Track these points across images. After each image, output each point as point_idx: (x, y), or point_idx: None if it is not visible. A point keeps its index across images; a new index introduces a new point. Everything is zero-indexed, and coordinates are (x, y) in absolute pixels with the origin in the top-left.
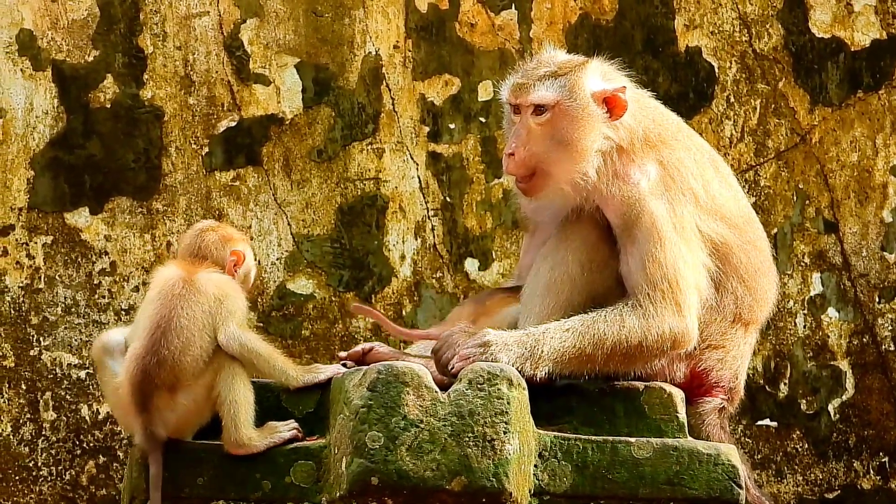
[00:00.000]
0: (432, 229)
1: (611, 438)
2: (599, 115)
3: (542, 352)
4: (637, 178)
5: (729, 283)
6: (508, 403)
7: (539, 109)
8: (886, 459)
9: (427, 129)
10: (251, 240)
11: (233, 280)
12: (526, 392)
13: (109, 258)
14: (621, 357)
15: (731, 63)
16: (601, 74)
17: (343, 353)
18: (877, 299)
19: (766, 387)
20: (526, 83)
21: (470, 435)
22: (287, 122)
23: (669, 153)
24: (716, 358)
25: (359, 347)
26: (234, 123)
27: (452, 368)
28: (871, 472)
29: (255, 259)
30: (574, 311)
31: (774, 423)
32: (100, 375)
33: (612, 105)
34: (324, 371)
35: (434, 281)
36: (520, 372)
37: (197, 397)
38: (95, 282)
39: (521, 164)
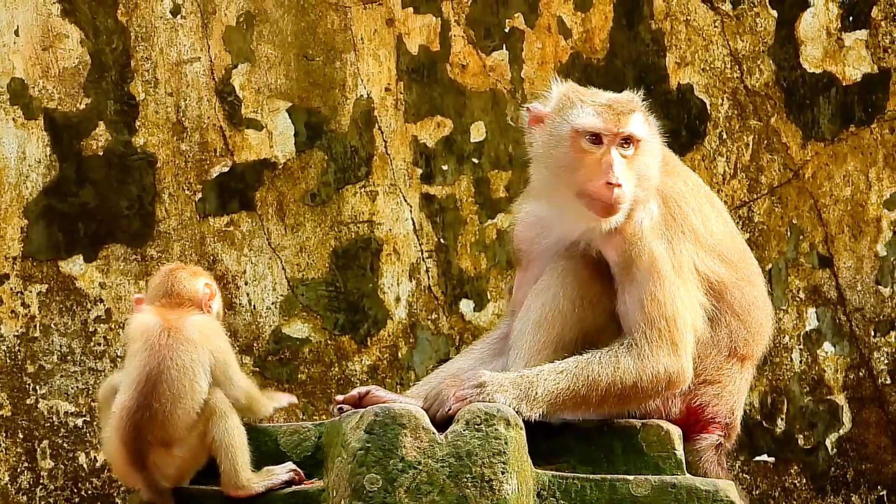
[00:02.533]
0: (427, 271)
1: (609, 476)
2: (658, 148)
3: (537, 393)
4: (639, 217)
5: (723, 318)
6: (506, 443)
7: (626, 142)
8: (885, 493)
9: (420, 170)
10: (245, 285)
11: (213, 319)
12: (523, 432)
13: (104, 305)
14: (616, 398)
15: (722, 100)
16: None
17: (340, 397)
18: (872, 333)
19: (764, 422)
20: (623, 112)
21: (468, 476)
22: (280, 167)
23: (672, 184)
24: (712, 393)
25: (355, 391)
26: (226, 169)
27: (449, 410)
28: None
29: (251, 304)
30: (565, 348)
31: (772, 459)
32: (102, 417)
33: None
34: (280, 398)
35: (429, 323)
36: (516, 413)
37: (192, 447)
38: (91, 329)
39: (628, 197)
